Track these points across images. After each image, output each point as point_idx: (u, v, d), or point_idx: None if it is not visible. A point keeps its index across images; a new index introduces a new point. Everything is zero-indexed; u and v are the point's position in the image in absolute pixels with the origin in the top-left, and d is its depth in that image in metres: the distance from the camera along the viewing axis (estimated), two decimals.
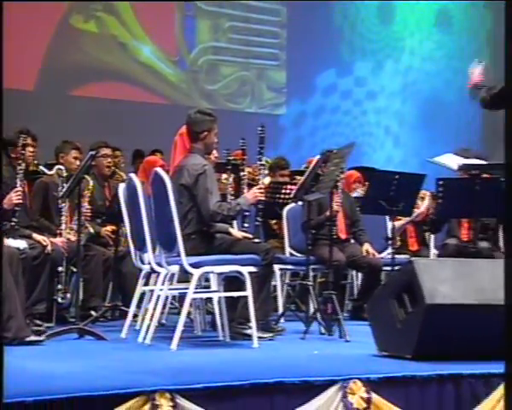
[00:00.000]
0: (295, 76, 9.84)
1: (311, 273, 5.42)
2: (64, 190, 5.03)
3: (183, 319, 4.16)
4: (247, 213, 4.98)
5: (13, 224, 4.63)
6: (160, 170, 4.38)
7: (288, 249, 5.98)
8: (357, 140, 9.48)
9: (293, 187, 5.56)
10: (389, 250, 5.91)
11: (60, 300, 5.12)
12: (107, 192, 5.94)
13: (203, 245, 4.46)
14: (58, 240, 5.16)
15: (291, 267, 5.89)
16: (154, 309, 4.37)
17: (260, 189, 4.66)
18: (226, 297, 4.46)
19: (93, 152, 4.81)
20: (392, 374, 3.27)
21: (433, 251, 6.54)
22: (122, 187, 4.84)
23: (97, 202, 5.75)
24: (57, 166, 5.49)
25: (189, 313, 4.69)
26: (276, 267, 5.48)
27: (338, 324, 4.72)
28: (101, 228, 5.73)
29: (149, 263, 4.50)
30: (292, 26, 9.88)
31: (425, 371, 3.33)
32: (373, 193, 5.57)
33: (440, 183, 5.21)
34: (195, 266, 4.22)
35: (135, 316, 4.78)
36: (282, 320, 5.23)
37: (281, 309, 5.60)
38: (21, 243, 4.63)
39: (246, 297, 4.24)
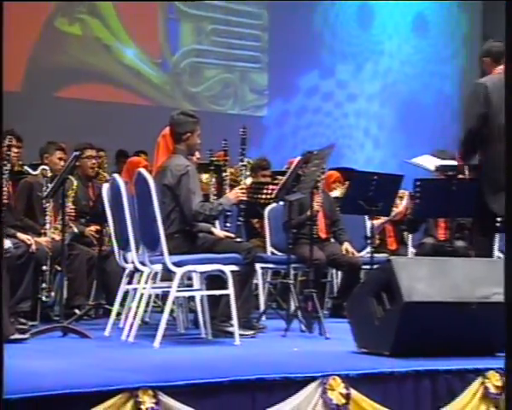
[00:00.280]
0: (277, 78, 9.85)
1: (292, 272, 5.43)
2: (48, 190, 5.01)
3: (165, 317, 4.16)
4: (229, 213, 4.98)
5: None
6: (143, 170, 4.37)
7: (269, 248, 5.99)
8: (337, 141, 9.51)
9: (274, 187, 5.56)
10: (368, 249, 5.93)
11: (44, 298, 5.09)
12: (91, 192, 5.92)
13: (186, 244, 4.46)
14: (42, 239, 5.13)
15: (272, 266, 5.89)
16: (138, 307, 4.35)
17: (242, 189, 4.67)
18: (208, 295, 4.46)
19: (77, 153, 4.79)
20: (370, 370, 3.29)
21: (411, 250, 6.57)
22: (106, 187, 4.82)
23: (81, 202, 5.73)
24: (42, 167, 5.45)
25: (171, 311, 4.68)
26: (258, 266, 5.48)
27: (318, 321, 4.73)
28: (85, 228, 5.71)
29: (133, 262, 4.49)
30: (273, 29, 9.90)
31: (402, 368, 3.35)
32: (352, 193, 5.59)
33: (418, 183, 5.23)
34: (178, 264, 4.21)
35: (118, 314, 4.76)
36: (263, 318, 5.23)
37: (262, 307, 5.60)
38: (6, 243, 4.60)
39: (228, 295, 4.23)
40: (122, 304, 4.77)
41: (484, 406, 3.41)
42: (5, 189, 4.67)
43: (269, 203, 5.94)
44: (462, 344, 3.67)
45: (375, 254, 5.63)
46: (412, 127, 10.59)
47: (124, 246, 4.59)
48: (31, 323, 4.68)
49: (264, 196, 5.89)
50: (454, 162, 5.21)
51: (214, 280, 4.43)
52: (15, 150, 5.34)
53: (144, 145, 6.96)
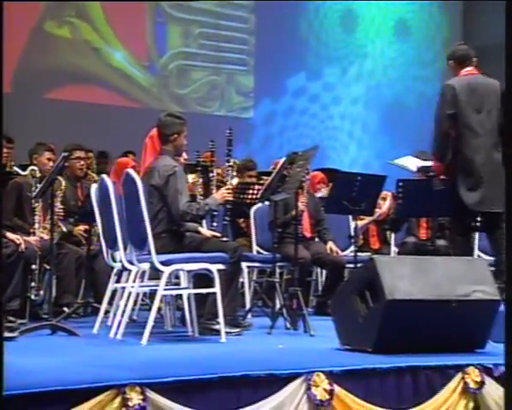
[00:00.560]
0: (264, 80, 9.85)
1: (278, 270, 5.44)
2: (37, 190, 4.98)
3: (153, 314, 4.15)
4: (215, 213, 4.98)
5: None
6: (131, 171, 4.36)
7: (255, 247, 5.99)
8: (323, 143, 9.55)
9: (260, 187, 5.57)
10: (352, 248, 5.94)
11: (33, 297, 5.07)
12: (80, 193, 5.89)
13: (173, 244, 4.45)
14: (31, 239, 5.11)
15: (258, 265, 5.90)
16: (126, 306, 4.34)
17: (228, 189, 4.67)
18: (195, 294, 4.45)
19: (66, 154, 4.77)
20: (353, 367, 3.30)
21: (394, 249, 6.59)
22: (94, 187, 4.80)
23: (70, 202, 5.70)
24: (31, 167, 5.43)
25: (159, 309, 4.67)
26: (244, 265, 5.49)
27: (303, 319, 4.73)
28: (73, 227, 5.68)
29: (121, 261, 4.48)
30: (260, 33, 9.91)
31: (384, 364, 3.36)
32: (336, 193, 5.60)
33: (400, 184, 5.26)
34: (166, 263, 4.21)
35: (106, 312, 4.75)
36: (249, 316, 5.23)
37: (248, 305, 5.60)
38: None
39: (214, 294, 4.23)
40: (110, 302, 4.75)
41: (463, 400, 3.43)
42: None
43: (254, 203, 5.94)
44: (443, 341, 3.69)
45: (359, 253, 5.66)
46: (395, 129, 10.63)
47: (112, 245, 4.58)
48: (20, 321, 4.65)
49: (249, 196, 5.90)
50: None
51: (201, 279, 4.42)
52: (6, 151, 5.32)
53: (132, 146, 6.95)
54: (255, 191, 5.82)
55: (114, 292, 4.75)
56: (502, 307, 3.88)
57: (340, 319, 3.90)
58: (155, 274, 4.40)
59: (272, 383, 3.11)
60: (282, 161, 5.20)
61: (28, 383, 2.75)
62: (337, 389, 3.19)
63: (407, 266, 3.77)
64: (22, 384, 2.73)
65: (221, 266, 4.28)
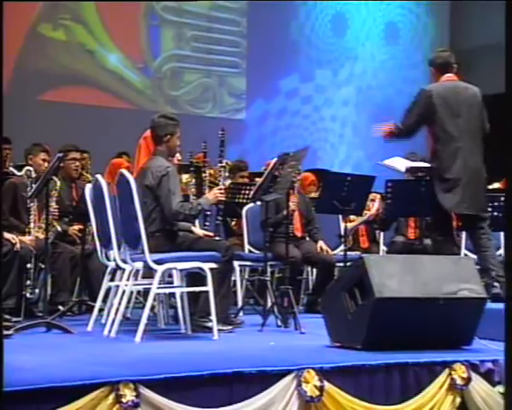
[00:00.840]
0: (256, 82, 9.86)
1: (269, 269, 5.45)
2: (32, 190, 4.97)
3: (146, 312, 4.15)
4: (208, 213, 4.98)
5: None
6: (125, 171, 4.36)
7: (247, 247, 5.99)
8: (314, 144, 9.56)
9: (251, 188, 5.57)
10: (342, 247, 5.96)
11: (28, 295, 5.06)
12: (75, 193, 5.88)
13: (166, 243, 4.45)
14: (27, 238, 5.10)
15: (250, 264, 5.90)
16: (119, 304, 4.34)
17: (221, 189, 4.67)
18: (188, 292, 4.45)
19: (60, 154, 4.76)
20: (343, 363, 3.31)
21: (383, 248, 6.61)
22: (89, 188, 4.80)
23: (65, 202, 5.69)
24: (26, 168, 5.42)
25: (152, 308, 4.67)
26: (236, 264, 5.49)
27: (293, 317, 4.74)
28: (68, 227, 5.67)
29: (115, 260, 4.48)
30: (252, 36, 9.91)
31: (373, 361, 3.37)
32: (326, 194, 5.61)
33: (389, 184, 5.27)
34: (159, 262, 4.21)
35: (101, 310, 4.74)
36: (241, 314, 5.23)
37: (240, 303, 5.60)
38: None
39: (207, 292, 4.24)
40: (104, 300, 4.75)
41: (450, 396, 3.45)
42: None
43: (246, 203, 5.94)
44: (431, 338, 3.70)
45: (349, 252, 5.67)
46: None
47: (106, 244, 4.57)
48: (15, 319, 4.64)
49: (241, 197, 5.91)
50: (423, 164, 5.27)
51: (194, 277, 4.43)
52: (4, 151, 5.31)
53: (127, 147, 6.94)
54: (247, 192, 5.83)
55: (108, 290, 4.74)
56: (489, 305, 3.90)
57: (330, 317, 3.91)
58: (149, 273, 4.40)
59: (264, 379, 3.12)
60: (273, 161, 5.21)
61: (23, 381, 2.75)
62: (327, 385, 3.20)
63: (396, 265, 3.78)
64: (17, 382, 2.72)
65: (213, 265, 4.29)
